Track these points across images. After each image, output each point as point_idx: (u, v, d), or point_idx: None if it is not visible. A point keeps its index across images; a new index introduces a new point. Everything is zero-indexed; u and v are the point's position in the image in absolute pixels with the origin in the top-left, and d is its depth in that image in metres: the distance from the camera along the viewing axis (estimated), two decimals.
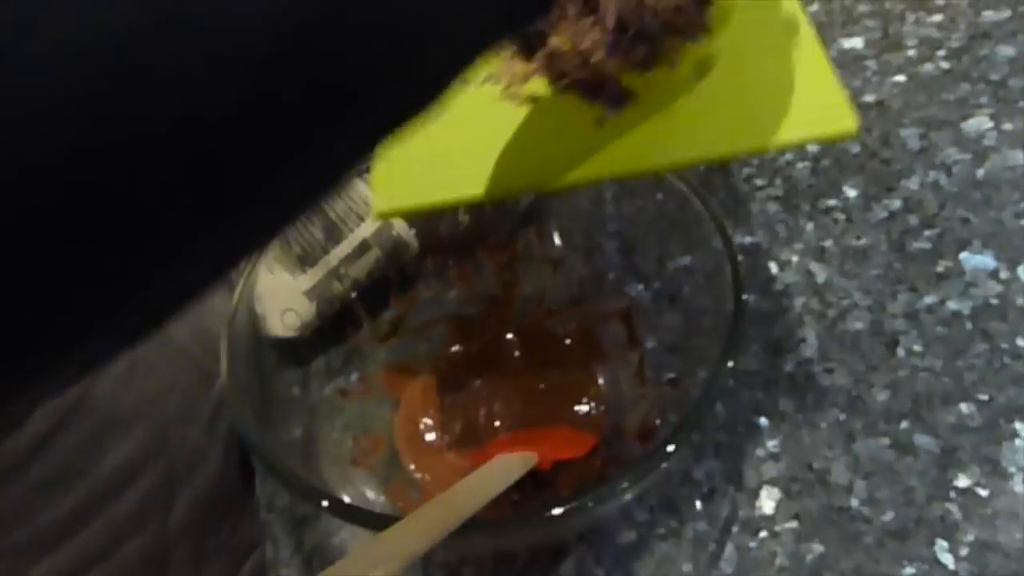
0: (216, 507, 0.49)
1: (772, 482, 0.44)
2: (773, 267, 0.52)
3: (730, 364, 0.36)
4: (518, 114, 0.36)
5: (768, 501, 0.44)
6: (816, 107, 0.33)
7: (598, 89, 0.35)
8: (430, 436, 0.47)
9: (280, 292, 0.50)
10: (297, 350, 0.50)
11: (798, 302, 0.50)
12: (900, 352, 0.47)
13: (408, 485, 0.45)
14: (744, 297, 0.39)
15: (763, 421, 0.46)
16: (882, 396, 0.46)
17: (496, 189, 0.34)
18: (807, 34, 0.36)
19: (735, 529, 0.43)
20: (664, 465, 0.36)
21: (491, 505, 0.43)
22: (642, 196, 0.48)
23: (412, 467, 0.47)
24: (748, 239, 0.54)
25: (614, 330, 0.49)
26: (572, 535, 0.43)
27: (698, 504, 0.44)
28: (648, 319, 0.48)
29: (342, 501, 0.36)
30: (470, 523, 0.31)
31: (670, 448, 0.35)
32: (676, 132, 0.34)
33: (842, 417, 0.46)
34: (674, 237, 0.47)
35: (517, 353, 0.51)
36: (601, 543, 0.44)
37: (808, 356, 0.48)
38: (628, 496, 0.39)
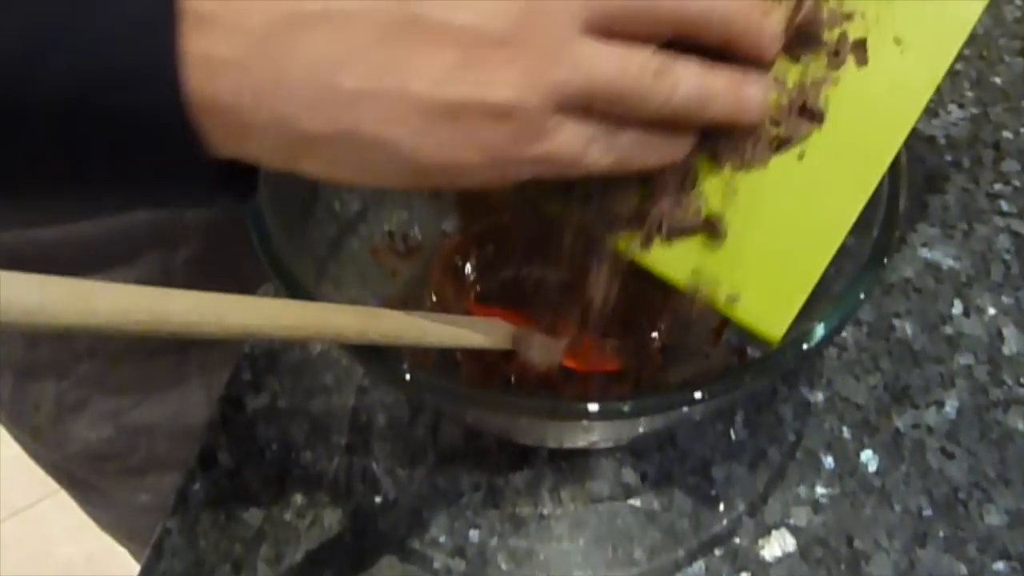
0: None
1: (796, 532, 0.34)
2: (957, 305, 0.40)
3: (818, 332, 0.27)
4: None
5: (776, 548, 0.34)
6: (765, 293, 0.29)
7: None
8: (468, 272, 0.41)
9: None
10: None
11: (961, 359, 0.38)
12: None
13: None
14: (884, 257, 0.29)
15: (829, 462, 0.36)
16: (995, 518, 0.34)
17: None
18: (841, 222, 0.29)
19: (718, 552, 0.34)
20: (683, 409, 0.28)
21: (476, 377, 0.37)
22: None
23: (433, 296, 0.41)
24: (949, 261, 0.41)
25: None
26: (544, 441, 0.37)
27: (692, 500, 0.35)
28: None
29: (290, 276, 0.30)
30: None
31: (697, 395, 0.27)
32: None
33: (928, 512, 0.34)
34: None
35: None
36: (566, 474, 0.37)
37: (933, 425, 0.37)
38: (618, 431, 0.32)
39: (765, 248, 0.29)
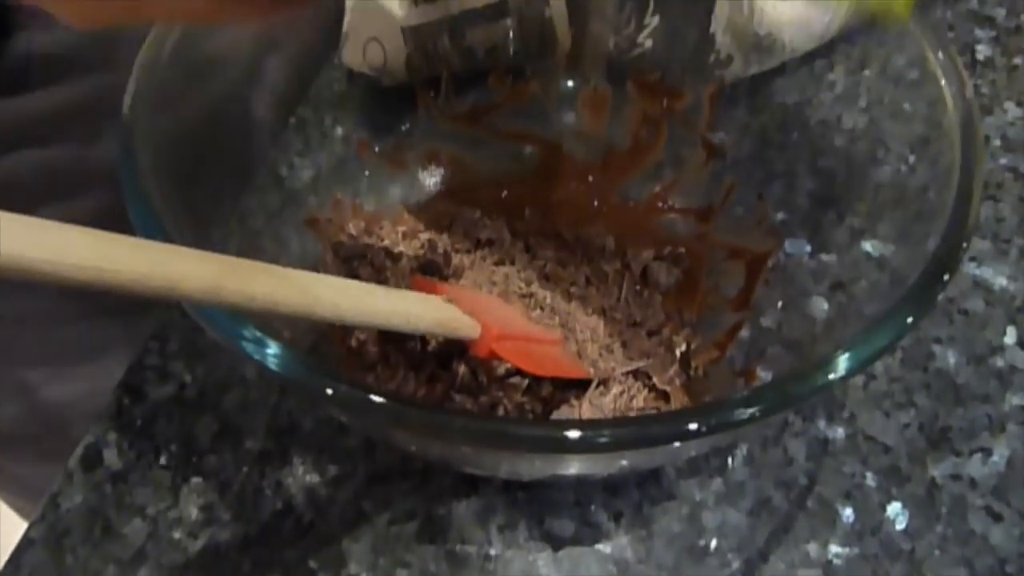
0: None
1: None
2: (1011, 334, 0.33)
3: (842, 363, 0.20)
4: None
5: None
6: None
7: None
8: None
9: (375, 15, 0.38)
10: (367, 88, 0.39)
11: (1014, 399, 0.31)
12: None
13: None
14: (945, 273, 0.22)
15: (848, 515, 0.29)
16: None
17: None
18: None
19: None
20: (674, 444, 0.21)
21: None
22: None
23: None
24: (1002, 280, 0.35)
25: (729, 272, 0.33)
26: (495, 471, 0.30)
27: (675, 552, 0.29)
28: (791, 277, 0.31)
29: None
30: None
31: (692, 426, 0.20)
32: None
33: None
34: None
35: (603, 243, 0.36)
36: (522, 507, 0.30)
37: (977, 478, 0.30)
38: (592, 465, 0.25)
39: None
